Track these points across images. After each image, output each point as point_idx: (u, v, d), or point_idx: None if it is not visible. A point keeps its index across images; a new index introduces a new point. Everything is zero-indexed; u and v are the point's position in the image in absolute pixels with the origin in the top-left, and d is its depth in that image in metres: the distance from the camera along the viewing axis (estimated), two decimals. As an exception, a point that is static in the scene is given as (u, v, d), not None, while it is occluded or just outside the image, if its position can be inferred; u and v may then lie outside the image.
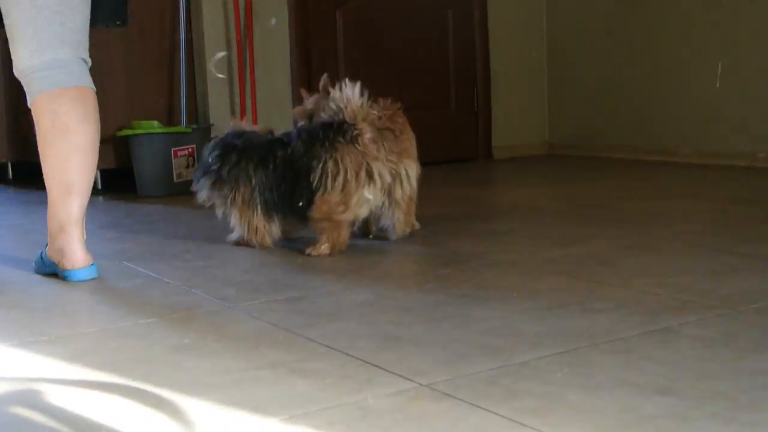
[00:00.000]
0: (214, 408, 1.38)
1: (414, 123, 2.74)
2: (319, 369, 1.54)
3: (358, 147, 2.48)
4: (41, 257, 2.43)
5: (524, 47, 5.37)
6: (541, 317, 1.81)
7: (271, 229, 2.65)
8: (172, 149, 4.10)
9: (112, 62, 4.23)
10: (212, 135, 4.29)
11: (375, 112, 2.54)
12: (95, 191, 4.25)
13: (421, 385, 1.43)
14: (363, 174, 2.47)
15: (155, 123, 4.19)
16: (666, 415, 1.27)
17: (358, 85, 2.52)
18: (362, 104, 2.51)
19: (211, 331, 1.82)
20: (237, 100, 4.42)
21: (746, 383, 1.38)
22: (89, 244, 2.42)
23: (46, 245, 2.41)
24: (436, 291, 2.11)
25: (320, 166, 2.47)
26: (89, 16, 2.37)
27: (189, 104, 4.35)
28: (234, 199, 2.63)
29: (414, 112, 2.92)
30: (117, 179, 4.50)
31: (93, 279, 2.36)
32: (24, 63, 2.29)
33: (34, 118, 2.33)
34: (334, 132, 2.49)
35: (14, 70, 2.33)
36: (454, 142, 5.14)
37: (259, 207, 2.61)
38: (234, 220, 2.67)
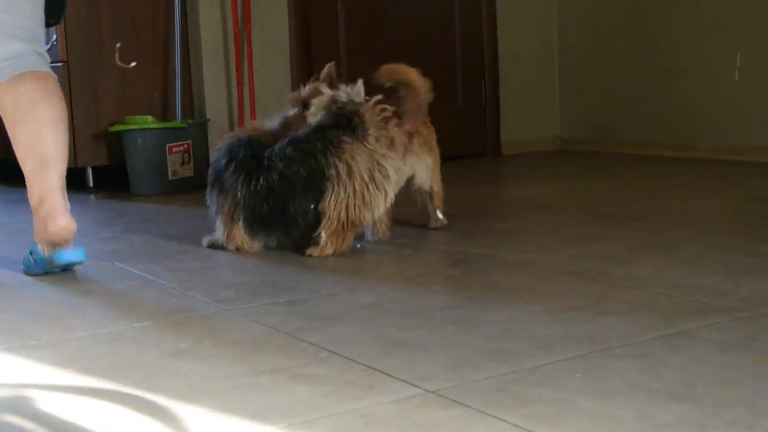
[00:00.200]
0: (210, 415, 1.38)
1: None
2: (320, 375, 1.54)
3: (367, 146, 2.48)
4: (30, 255, 2.44)
5: (534, 38, 5.37)
6: (553, 320, 1.81)
7: (252, 245, 2.64)
8: (167, 145, 4.10)
9: (104, 55, 4.23)
10: (219, 132, 4.31)
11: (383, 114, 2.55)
12: (86, 189, 4.27)
13: (427, 391, 1.43)
14: (378, 175, 2.48)
15: (149, 118, 4.19)
16: (683, 423, 1.26)
17: (360, 83, 2.52)
18: (371, 104, 2.52)
19: (208, 335, 1.82)
20: (234, 93, 4.42)
21: (767, 389, 1.38)
22: (80, 243, 2.42)
23: (34, 244, 2.42)
24: (442, 293, 2.11)
25: (329, 170, 2.46)
26: (42, 15, 2.48)
27: (184, 98, 4.35)
28: (221, 206, 2.64)
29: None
30: (109, 177, 4.50)
31: (81, 263, 2.41)
32: None
33: None
34: (341, 131, 2.49)
35: None
36: (461, 138, 5.13)
37: (240, 222, 2.61)
38: (217, 224, 2.68)
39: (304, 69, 4.56)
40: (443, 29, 5.13)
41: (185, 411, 1.40)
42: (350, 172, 2.46)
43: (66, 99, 4.05)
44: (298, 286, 2.24)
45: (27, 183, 2.40)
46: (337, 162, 2.46)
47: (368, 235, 2.71)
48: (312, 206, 2.50)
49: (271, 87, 4.48)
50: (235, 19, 4.36)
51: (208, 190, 2.70)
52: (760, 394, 1.36)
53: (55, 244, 2.37)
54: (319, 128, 2.53)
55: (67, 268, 2.45)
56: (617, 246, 2.54)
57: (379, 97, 2.56)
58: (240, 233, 2.62)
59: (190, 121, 4.23)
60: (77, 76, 4.14)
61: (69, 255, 2.37)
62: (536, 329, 1.75)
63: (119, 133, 4.13)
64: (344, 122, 2.50)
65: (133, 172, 4.14)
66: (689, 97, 4.73)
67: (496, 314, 1.87)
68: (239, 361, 1.64)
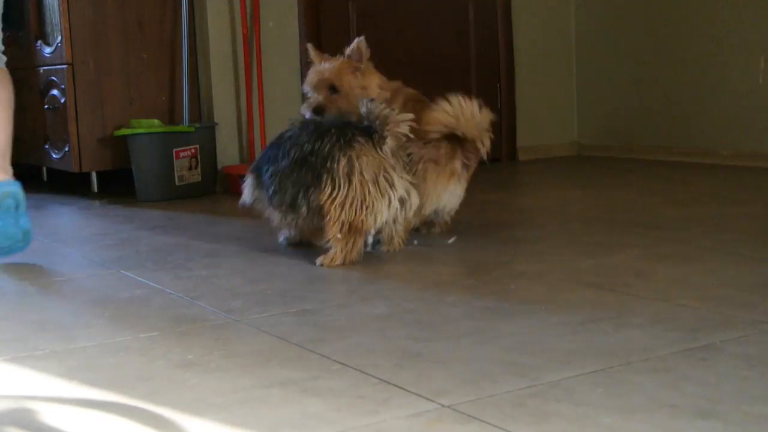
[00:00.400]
0: (219, 429, 1.38)
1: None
2: (332, 388, 1.54)
3: (380, 152, 2.49)
4: None
5: (551, 42, 5.37)
6: (572, 333, 1.80)
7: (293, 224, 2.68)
8: (174, 150, 4.11)
9: (110, 56, 4.25)
10: (227, 136, 4.31)
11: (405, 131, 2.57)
12: (90, 195, 4.28)
13: (442, 406, 1.43)
14: (382, 180, 2.48)
15: (156, 121, 4.20)
16: (708, 441, 1.26)
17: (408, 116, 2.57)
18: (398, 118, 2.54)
19: (217, 346, 1.82)
20: (243, 97, 4.43)
21: (795, 406, 1.37)
22: (84, 251, 2.43)
23: None
24: (458, 304, 2.10)
25: (334, 164, 2.47)
26: None
27: (192, 101, 4.37)
28: (266, 199, 2.68)
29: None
30: (114, 182, 4.52)
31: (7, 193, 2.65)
32: None
33: None
34: (354, 131, 2.50)
35: None
36: (476, 143, 5.12)
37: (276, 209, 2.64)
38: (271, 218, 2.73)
39: (315, 72, 4.55)
40: (457, 32, 5.13)
41: (193, 425, 1.40)
42: (351, 170, 2.47)
43: (70, 101, 4.12)
44: (309, 295, 2.24)
45: None
46: (341, 157, 2.47)
47: (382, 246, 2.70)
48: (311, 192, 2.52)
49: (280, 90, 4.48)
50: (244, 21, 4.36)
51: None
52: (788, 410, 1.35)
53: None
54: (346, 123, 2.55)
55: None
56: (638, 255, 2.53)
57: (411, 116, 2.57)
58: (281, 220, 2.66)
59: (197, 125, 4.24)
60: (82, 78, 4.15)
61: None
62: (555, 342, 1.74)
63: (125, 137, 4.14)
64: (367, 126, 2.52)
65: (139, 177, 4.15)
66: (711, 102, 4.72)
67: (514, 326, 1.87)
68: (249, 373, 1.64)
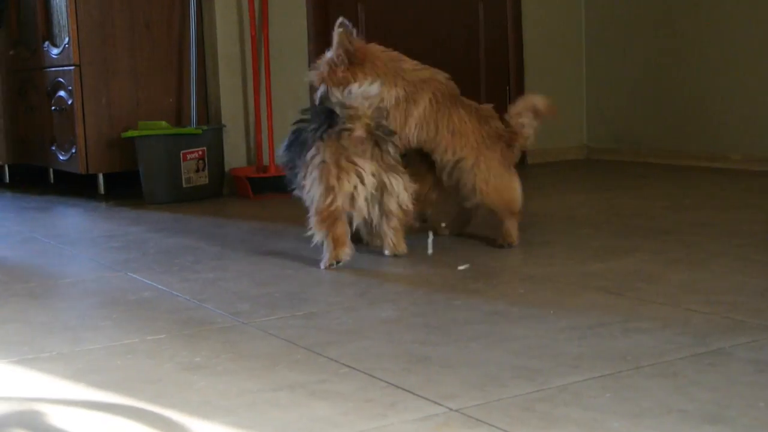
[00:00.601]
0: (227, 432, 1.39)
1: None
2: (340, 391, 1.54)
3: (342, 142, 2.50)
4: None
5: (560, 45, 5.36)
6: (581, 337, 1.81)
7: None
8: (181, 152, 4.12)
9: (117, 58, 4.26)
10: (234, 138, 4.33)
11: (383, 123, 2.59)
12: (97, 197, 4.30)
13: (450, 409, 1.43)
14: (344, 162, 2.49)
15: (163, 123, 4.21)
16: (717, 446, 1.26)
17: (377, 84, 2.54)
18: (369, 106, 2.52)
19: (224, 349, 1.82)
20: (251, 99, 4.43)
21: (805, 411, 1.37)
22: (91, 253, 2.44)
23: None
24: (466, 308, 2.11)
25: (306, 154, 2.55)
26: None
27: (199, 103, 4.38)
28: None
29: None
30: (121, 184, 4.53)
31: None
32: None
33: None
34: (329, 123, 2.53)
35: None
36: (484, 146, 5.12)
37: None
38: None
39: (323, 74, 4.56)
40: (467, 34, 5.13)
41: (200, 428, 1.41)
42: (314, 158, 2.52)
43: (78, 103, 4.13)
44: (317, 298, 2.24)
45: None
46: (313, 147, 2.53)
47: (384, 250, 2.69)
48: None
49: (289, 92, 4.48)
50: (252, 23, 4.38)
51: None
52: (798, 416, 1.35)
53: None
54: (329, 112, 2.57)
55: None
56: (647, 260, 2.53)
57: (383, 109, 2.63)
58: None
59: (205, 127, 4.24)
60: (89, 79, 4.17)
61: None
62: (563, 346, 1.75)
63: (132, 138, 4.15)
64: (332, 117, 2.54)
65: (146, 179, 4.16)
66: (722, 106, 4.71)
67: (522, 330, 1.87)
68: (256, 377, 1.64)
